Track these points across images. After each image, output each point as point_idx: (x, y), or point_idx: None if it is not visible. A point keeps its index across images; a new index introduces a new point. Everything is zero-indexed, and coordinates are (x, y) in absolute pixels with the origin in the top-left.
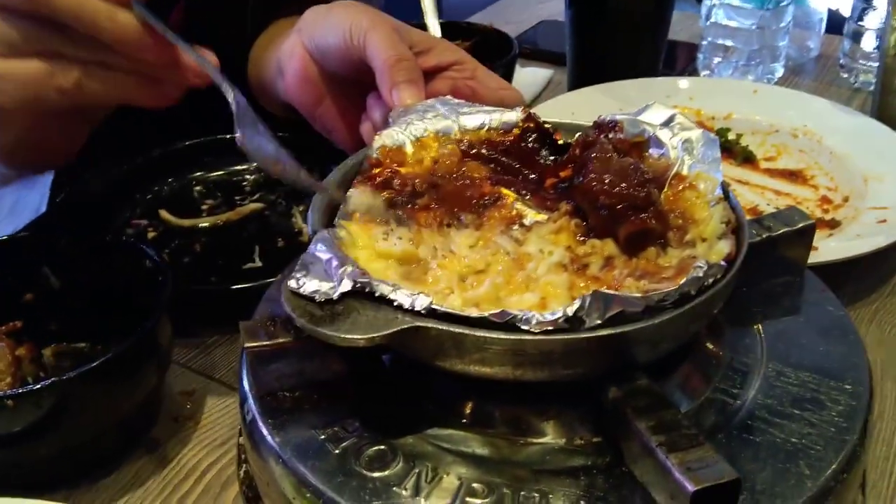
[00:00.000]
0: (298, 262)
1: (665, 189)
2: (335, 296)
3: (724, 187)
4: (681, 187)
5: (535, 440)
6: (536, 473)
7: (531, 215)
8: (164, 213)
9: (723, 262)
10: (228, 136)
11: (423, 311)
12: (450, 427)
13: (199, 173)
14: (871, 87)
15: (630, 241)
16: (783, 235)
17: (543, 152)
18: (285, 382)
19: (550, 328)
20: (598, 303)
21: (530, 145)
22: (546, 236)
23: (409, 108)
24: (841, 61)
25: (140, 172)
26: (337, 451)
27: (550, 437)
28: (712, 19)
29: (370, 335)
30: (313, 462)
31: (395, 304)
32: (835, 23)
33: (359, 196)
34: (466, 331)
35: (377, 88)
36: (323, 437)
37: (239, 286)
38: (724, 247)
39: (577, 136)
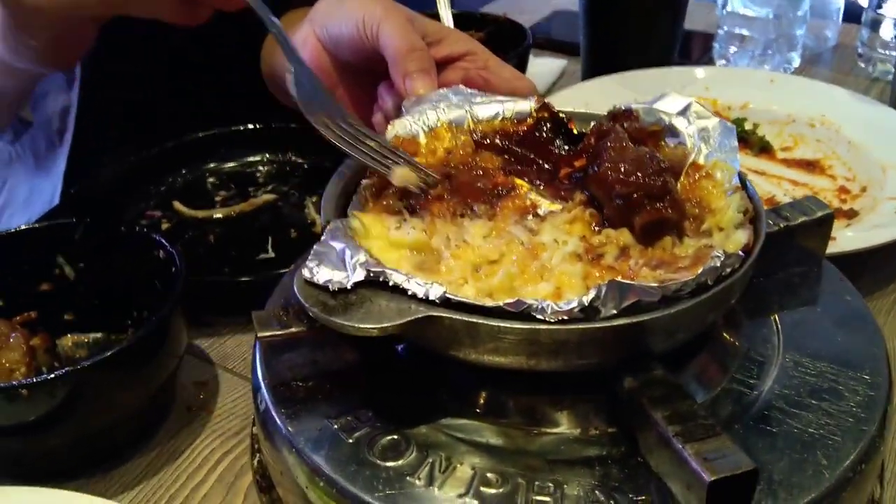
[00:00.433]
0: (311, 252)
1: (681, 178)
2: (349, 285)
3: (742, 176)
4: (697, 176)
5: (549, 430)
6: (551, 463)
7: (545, 205)
8: (177, 205)
9: (740, 252)
10: (242, 128)
11: (437, 301)
12: (464, 417)
13: (212, 165)
14: (890, 77)
15: (646, 231)
16: (801, 225)
17: (558, 142)
18: (298, 372)
19: (566, 318)
20: (613, 292)
21: (544, 135)
22: (560, 226)
23: (422, 98)
24: (859, 50)
25: (154, 164)
26: (350, 441)
27: (565, 427)
28: (728, 8)
29: (383, 325)
30: (326, 451)
31: (409, 293)
32: (852, 11)
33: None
34: (481, 320)
35: (389, 78)
36: (336, 426)
37: (251, 277)
38: (742, 236)
39: (591, 125)
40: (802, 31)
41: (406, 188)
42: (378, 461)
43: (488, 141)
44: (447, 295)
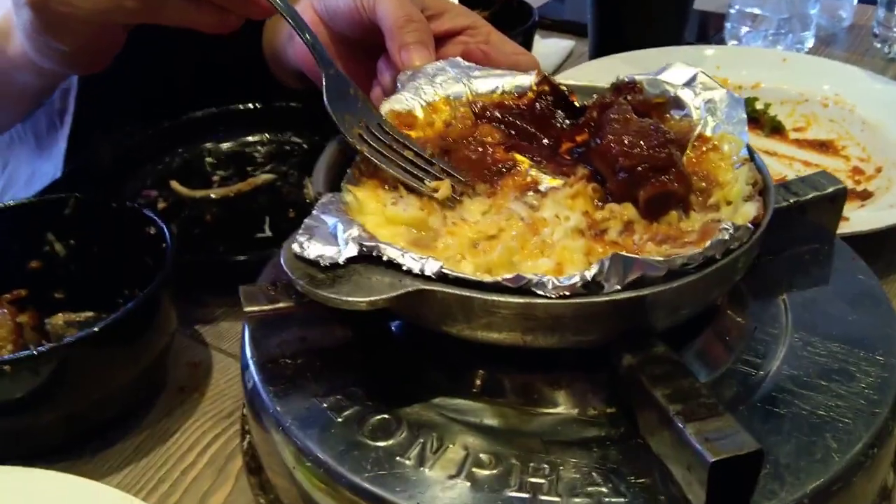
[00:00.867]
0: (302, 226)
1: (687, 151)
2: (341, 260)
3: (749, 150)
4: (704, 149)
5: (546, 410)
6: (547, 444)
7: (547, 181)
8: (174, 184)
9: (749, 225)
10: (241, 108)
11: (433, 276)
12: (458, 396)
13: (210, 144)
14: None
15: (650, 205)
16: (812, 200)
17: (559, 115)
18: (287, 349)
19: (567, 293)
20: (617, 266)
21: (545, 109)
22: (562, 201)
23: (418, 71)
24: (874, 31)
25: (151, 143)
26: (339, 420)
27: (562, 407)
28: None
29: (372, 298)
30: (315, 431)
31: (405, 268)
32: None
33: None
34: (474, 294)
35: (388, 52)
36: (325, 405)
37: (243, 256)
38: (751, 209)
39: (593, 98)
40: (816, 10)
41: None
42: (368, 441)
43: (488, 113)
44: (444, 270)
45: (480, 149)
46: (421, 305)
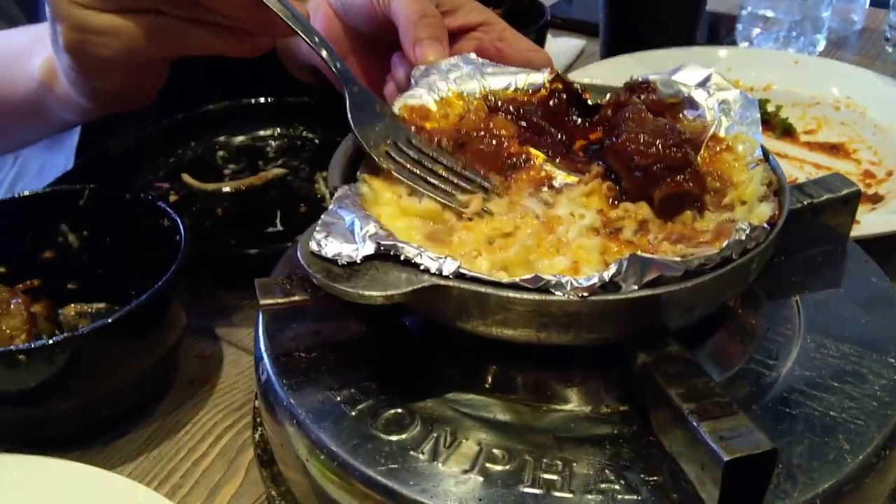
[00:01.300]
0: (319, 223)
1: (701, 151)
2: (358, 259)
3: (763, 151)
4: (718, 149)
5: (559, 407)
6: (560, 441)
7: (561, 177)
8: (186, 177)
9: (766, 225)
10: (253, 102)
11: (450, 276)
12: (471, 392)
13: (222, 138)
14: None
15: (665, 204)
16: (826, 202)
17: (572, 113)
18: (302, 343)
19: (586, 294)
20: (634, 267)
21: (559, 106)
22: (577, 199)
23: (432, 67)
24: (886, 34)
25: (163, 135)
26: (353, 413)
27: (575, 404)
28: None
29: (388, 292)
30: (328, 424)
31: (422, 268)
32: None
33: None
34: (490, 290)
35: (402, 47)
36: (339, 398)
37: (256, 250)
38: (766, 209)
39: (607, 97)
40: (828, 13)
41: None
42: (381, 435)
43: (502, 106)
44: (461, 270)
45: (495, 141)
46: (436, 301)
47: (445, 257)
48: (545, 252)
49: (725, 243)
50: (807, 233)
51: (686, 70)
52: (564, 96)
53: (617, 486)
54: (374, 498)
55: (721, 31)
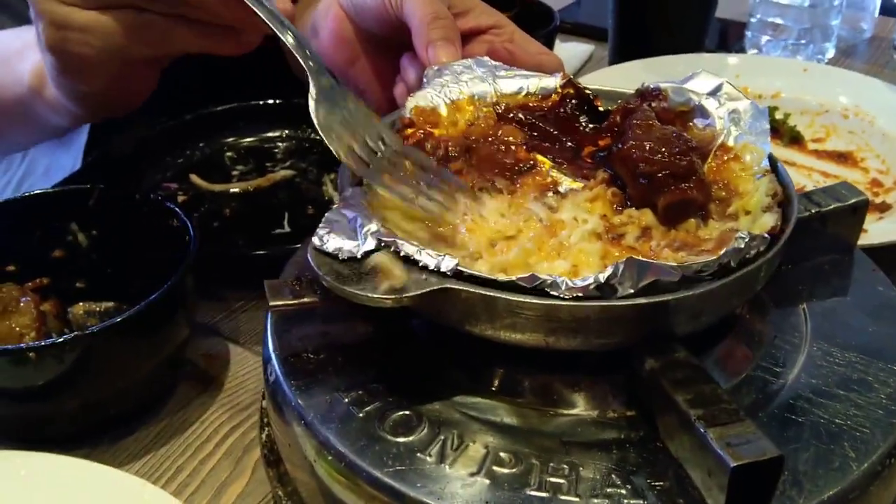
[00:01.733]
0: (323, 220)
1: (709, 160)
2: (359, 254)
3: (773, 160)
4: (725, 158)
5: (565, 411)
6: (566, 445)
7: (567, 183)
8: (194, 178)
9: (765, 235)
10: (261, 103)
11: (448, 273)
12: (478, 395)
13: (230, 139)
14: None
15: (669, 212)
16: (834, 211)
17: (582, 119)
18: (310, 344)
19: (581, 295)
20: (631, 270)
21: (569, 111)
22: (581, 204)
23: (444, 68)
24: (895, 43)
25: (172, 136)
26: (361, 415)
27: (582, 408)
28: None
29: (397, 296)
30: (336, 425)
31: (421, 264)
32: (889, 3)
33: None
34: (498, 294)
35: (413, 49)
36: (347, 400)
37: (264, 250)
38: (769, 220)
39: (618, 103)
40: (837, 21)
41: None
42: (389, 436)
43: (512, 114)
44: (459, 268)
45: (503, 147)
46: (444, 304)
47: (444, 255)
48: (546, 255)
49: (723, 251)
50: (814, 241)
51: (698, 78)
52: (575, 102)
53: (623, 491)
54: (380, 499)
55: (730, 38)
